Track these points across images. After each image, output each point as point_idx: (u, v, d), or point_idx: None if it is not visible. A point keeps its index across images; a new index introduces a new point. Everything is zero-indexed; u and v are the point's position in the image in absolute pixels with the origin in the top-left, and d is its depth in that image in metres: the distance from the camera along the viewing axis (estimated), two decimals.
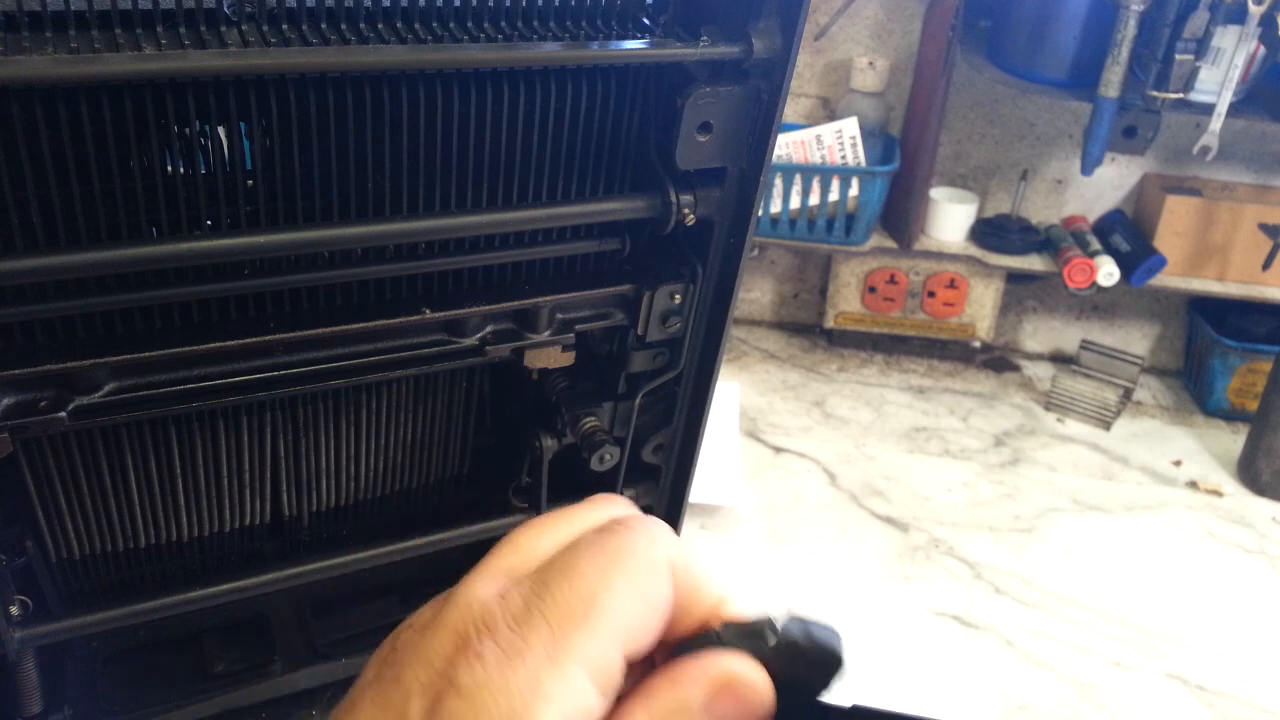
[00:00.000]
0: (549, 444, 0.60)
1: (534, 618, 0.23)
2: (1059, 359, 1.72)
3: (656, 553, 0.25)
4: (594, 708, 0.23)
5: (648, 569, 0.25)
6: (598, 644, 0.23)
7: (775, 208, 1.51)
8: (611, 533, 0.26)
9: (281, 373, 0.49)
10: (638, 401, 0.59)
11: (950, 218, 1.58)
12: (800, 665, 0.25)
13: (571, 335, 0.55)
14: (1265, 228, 1.46)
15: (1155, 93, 1.26)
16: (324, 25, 0.42)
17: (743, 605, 0.26)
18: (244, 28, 0.40)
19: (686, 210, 0.51)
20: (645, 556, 0.25)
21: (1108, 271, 1.49)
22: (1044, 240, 1.59)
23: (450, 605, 0.25)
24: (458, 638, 0.23)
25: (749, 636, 0.25)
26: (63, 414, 0.44)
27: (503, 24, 0.45)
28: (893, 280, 1.61)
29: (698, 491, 0.65)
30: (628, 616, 0.24)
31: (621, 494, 0.64)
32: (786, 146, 1.49)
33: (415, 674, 0.23)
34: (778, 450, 1.37)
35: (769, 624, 0.25)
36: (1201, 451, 1.49)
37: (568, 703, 0.22)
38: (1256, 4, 1.19)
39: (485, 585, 0.25)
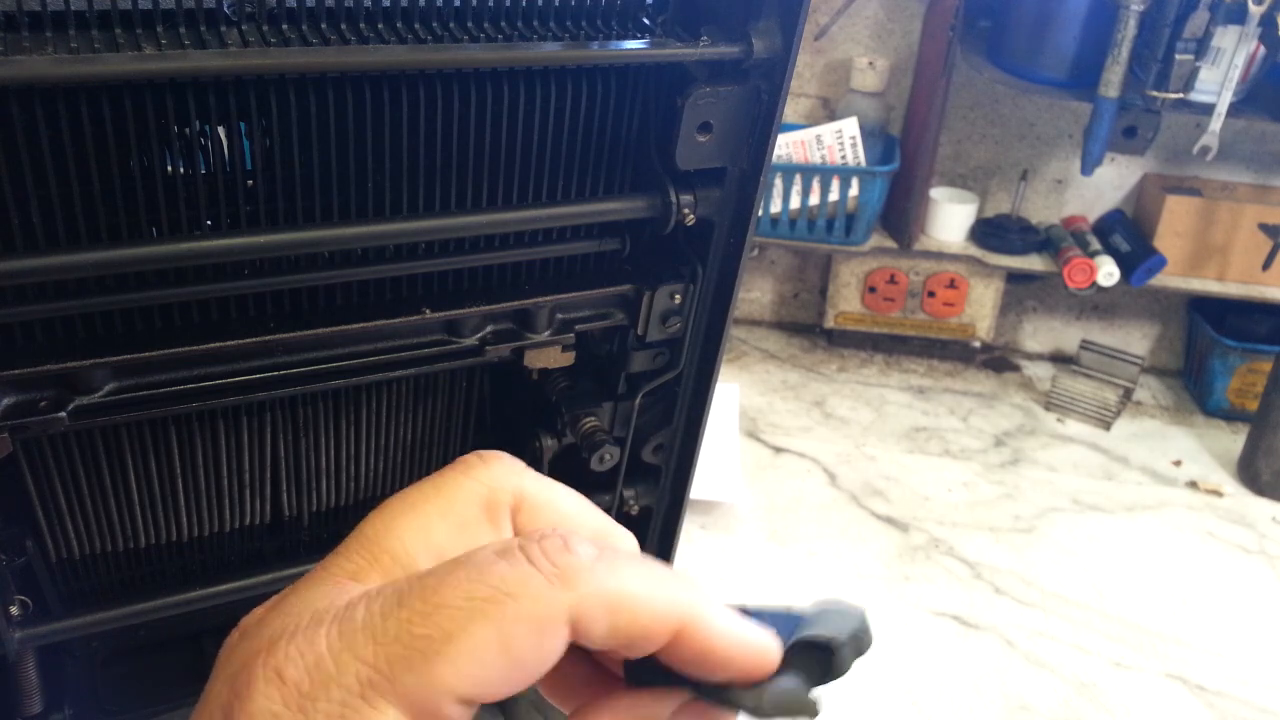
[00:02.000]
0: (549, 444, 0.60)
1: (359, 642, 0.20)
2: (1059, 359, 1.73)
3: (552, 604, 0.21)
4: None
5: (529, 623, 0.21)
6: (426, 693, 0.20)
7: (775, 208, 1.51)
8: (509, 559, 0.21)
9: (281, 373, 0.49)
10: (638, 401, 0.59)
11: (950, 218, 1.58)
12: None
13: (571, 335, 0.55)
14: (1265, 228, 1.47)
15: (1155, 93, 1.26)
16: (324, 25, 0.42)
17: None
18: (244, 28, 0.40)
19: (686, 210, 0.51)
20: (532, 606, 0.21)
21: (1108, 271, 1.49)
22: (1044, 240, 1.59)
23: (278, 612, 0.22)
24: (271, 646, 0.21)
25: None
26: (63, 414, 0.44)
27: (502, 24, 0.45)
28: (893, 280, 1.61)
29: (698, 492, 0.65)
30: (478, 672, 0.20)
31: (622, 494, 0.64)
32: (786, 146, 1.49)
33: (217, 689, 0.21)
34: (778, 450, 1.37)
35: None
36: (1201, 451, 1.49)
37: None
38: (1257, 4, 1.19)
39: (333, 591, 0.22)
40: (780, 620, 0.25)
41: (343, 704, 0.20)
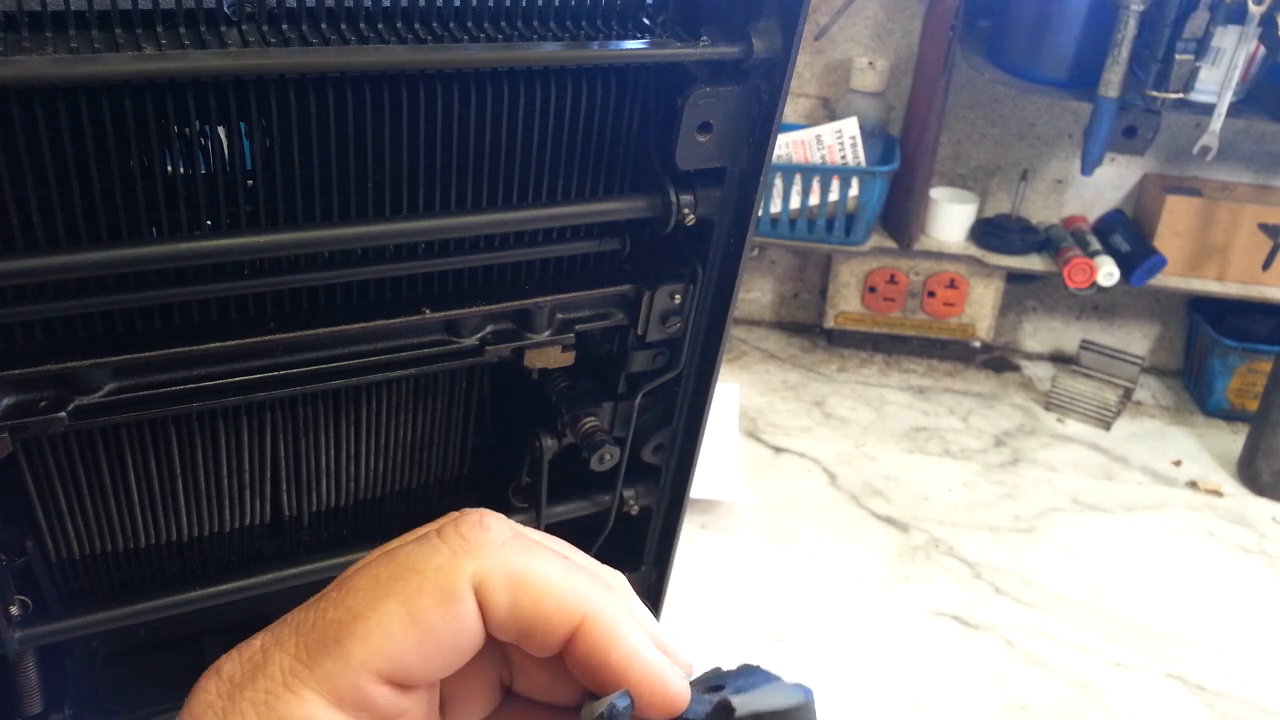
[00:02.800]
0: (549, 444, 0.60)
1: (285, 637, 0.22)
2: (1059, 359, 1.73)
3: (454, 572, 0.21)
4: None
5: (433, 592, 0.21)
6: (343, 673, 0.21)
7: (775, 208, 1.51)
8: (416, 541, 0.22)
9: (282, 373, 0.49)
10: (638, 401, 0.60)
11: (950, 218, 1.58)
12: None
13: (571, 335, 0.55)
14: (1265, 228, 1.47)
15: (1155, 93, 1.26)
16: (324, 25, 0.42)
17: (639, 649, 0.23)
18: (244, 28, 0.40)
19: (686, 210, 0.51)
20: (434, 576, 0.21)
21: (1107, 271, 1.49)
22: (1044, 240, 1.59)
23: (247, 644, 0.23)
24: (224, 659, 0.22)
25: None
26: (63, 414, 0.44)
27: (502, 24, 0.45)
28: (893, 280, 1.61)
29: (698, 492, 0.65)
30: (389, 645, 0.21)
31: (622, 494, 0.64)
32: (786, 146, 1.50)
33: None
34: (778, 450, 1.37)
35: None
36: (1201, 451, 1.49)
37: None
38: (1257, 4, 1.19)
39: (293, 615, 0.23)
40: (737, 678, 0.24)
41: (267, 692, 0.21)
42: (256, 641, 0.22)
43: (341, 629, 0.21)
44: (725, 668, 0.26)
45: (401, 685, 0.22)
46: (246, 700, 0.21)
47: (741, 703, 0.23)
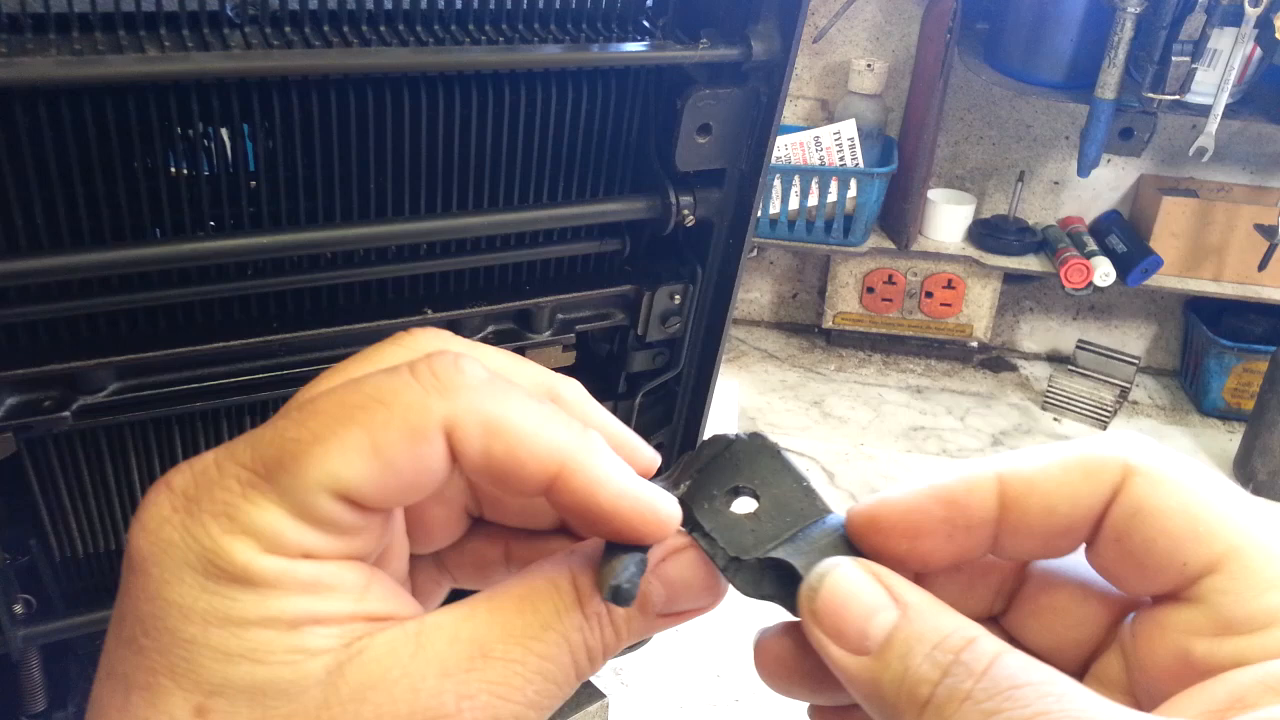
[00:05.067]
0: None
1: (239, 450, 0.21)
2: (1056, 359, 1.73)
3: (424, 411, 0.21)
4: (312, 543, 0.20)
5: (400, 427, 0.20)
6: (300, 489, 0.20)
7: (774, 209, 1.52)
8: (386, 372, 0.22)
9: (284, 372, 0.49)
10: (638, 401, 0.60)
11: (948, 219, 1.59)
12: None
13: (572, 335, 0.55)
14: (1261, 228, 1.47)
15: (1152, 94, 1.27)
16: (326, 28, 0.42)
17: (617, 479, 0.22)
18: (247, 30, 0.40)
19: (686, 211, 0.51)
20: (403, 412, 0.21)
21: (1104, 272, 1.50)
22: (1041, 241, 1.60)
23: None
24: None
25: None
26: (66, 414, 0.45)
27: (504, 27, 0.45)
28: (891, 281, 1.62)
29: None
30: (349, 471, 0.20)
31: None
32: (785, 148, 1.50)
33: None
34: None
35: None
36: (1198, 451, 1.49)
37: (265, 538, 0.20)
38: (1253, 6, 1.20)
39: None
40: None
41: (225, 503, 0.20)
42: (209, 456, 0.21)
43: (300, 448, 0.20)
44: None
45: (362, 506, 0.21)
46: (205, 512, 0.20)
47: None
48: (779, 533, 0.24)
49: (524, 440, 0.21)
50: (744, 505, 0.24)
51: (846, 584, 0.22)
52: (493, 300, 0.52)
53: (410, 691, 0.20)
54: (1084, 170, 1.40)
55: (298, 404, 0.22)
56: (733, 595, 0.25)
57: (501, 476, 0.21)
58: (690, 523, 0.24)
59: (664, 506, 0.22)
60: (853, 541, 0.23)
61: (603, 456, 0.22)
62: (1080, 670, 0.23)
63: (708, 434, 0.62)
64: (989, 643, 0.20)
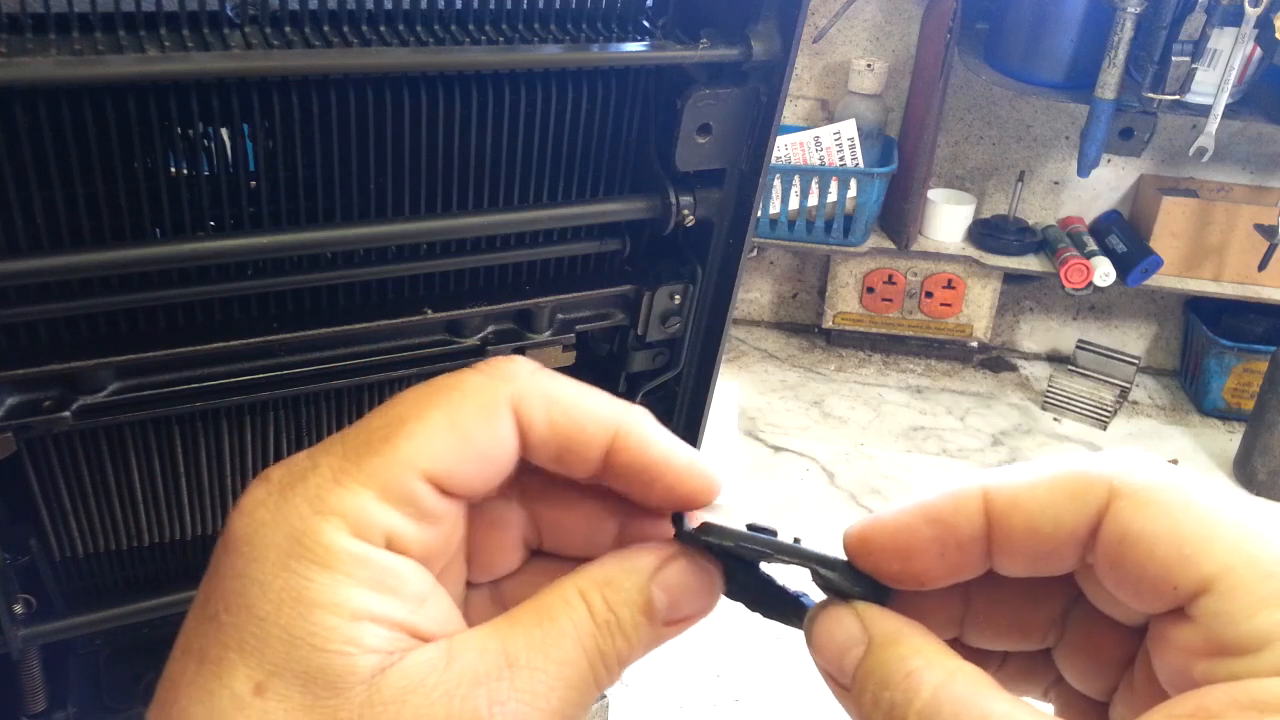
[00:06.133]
0: None
1: (332, 446, 0.23)
2: (1056, 359, 1.73)
3: (493, 391, 0.23)
4: (399, 530, 0.22)
5: (474, 405, 0.23)
6: (390, 469, 0.22)
7: (774, 209, 1.52)
8: (455, 373, 0.24)
9: (285, 372, 0.49)
10: (638, 401, 0.60)
11: (948, 219, 1.59)
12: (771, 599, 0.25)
13: (572, 335, 0.55)
14: (1261, 228, 1.47)
15: (1152, 94, 1.27)
16: (326, 28, 0.42)
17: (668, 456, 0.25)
18: (246, 30, 0.40)
19: (686, 211, 0.51)
20: (474, 394, 0.23)
21: (1104, 272, 1.50)
22: (1041, 241, 1.60)
23: None
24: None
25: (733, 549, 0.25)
26: (67, 414, 0.45)
27: (504, 27, 0.45)
28: (891, 281, 1.62)
29: None
30: (433, 446, 0.22)
31: None
32: (785, 148, 1.50)
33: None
34: (777, 449, 1.38)
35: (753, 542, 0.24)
36: (1198, 450, 1.49)
37: (357, 523, 0.22)
38: (1253, 6, 1.20)
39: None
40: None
41: (318, 488, 0.22)
42: (302, 454, 0.23)
43: (389, 431, 0.22)
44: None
45: (443, 489, 0.23)
46: (298, 496, 0.22)
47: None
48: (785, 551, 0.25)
49: (582, 406, 0.24)
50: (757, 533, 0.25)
51: (827, 622, 0.23)
52: (493, 300, 0.52)
53: (446, 696, 0.21)
54: (1084, 170, 1.40)
55: (376, 408, 0.24)
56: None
57: (566, 443, 0.24)
58: (705, 532, 0.25)
59: (711, 467, 0.25)
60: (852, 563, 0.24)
61: (653, 423, 0.24)
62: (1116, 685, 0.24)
63: (708, 433, 0.62)
64: (932, 674, 0.21)
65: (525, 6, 0.45)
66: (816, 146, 1.49)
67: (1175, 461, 1.45)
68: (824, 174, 1.47)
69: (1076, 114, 1.51)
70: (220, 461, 0.55)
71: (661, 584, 0.24)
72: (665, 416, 0.62)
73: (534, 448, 0.24)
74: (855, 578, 0.24)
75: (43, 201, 0.41)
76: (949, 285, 1.61)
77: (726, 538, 0.25)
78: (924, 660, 0.21)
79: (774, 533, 0.25)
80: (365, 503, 0.22)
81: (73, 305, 0.43)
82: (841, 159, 1.49)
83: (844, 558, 0.24)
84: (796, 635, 0.25)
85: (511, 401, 0.23)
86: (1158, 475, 0.21)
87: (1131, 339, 1.74)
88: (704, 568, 0.25)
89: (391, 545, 0.22)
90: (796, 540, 0.25)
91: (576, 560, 0.26)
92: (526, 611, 0.23)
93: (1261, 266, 1.48)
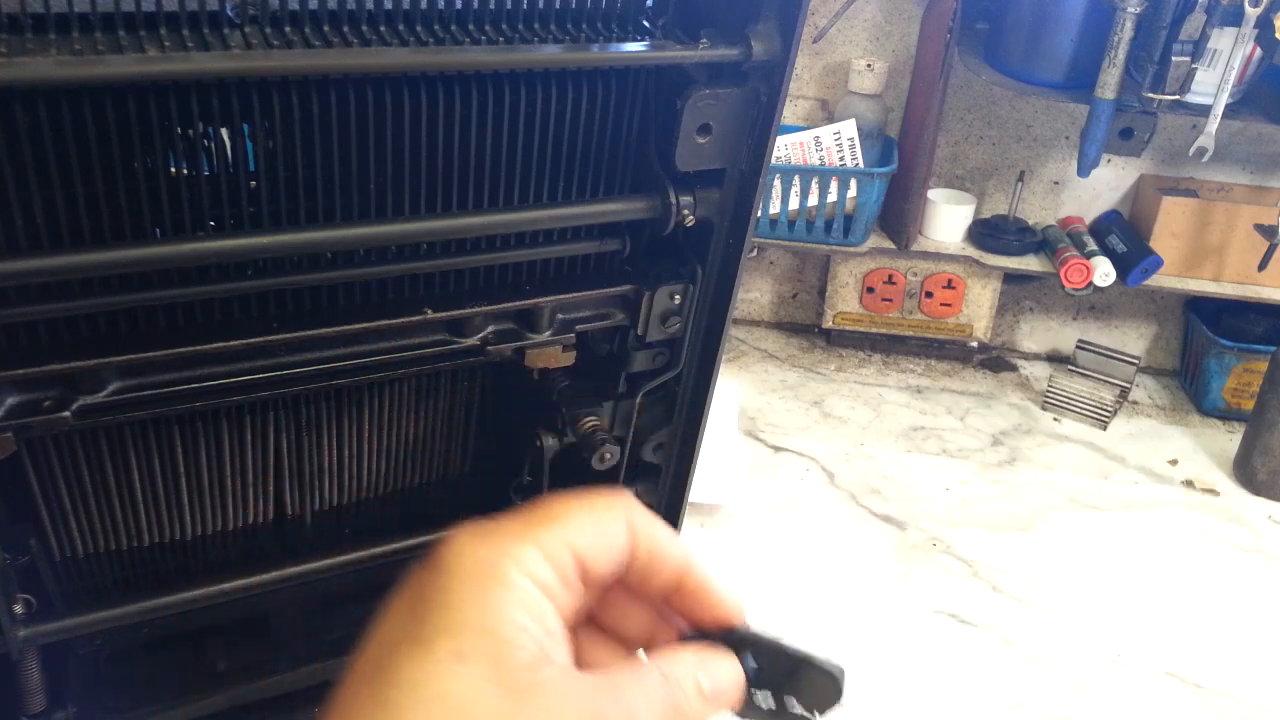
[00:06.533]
0: (550, 443, 0.60)
1: (509, 519, 0.31)
2: (1056, 359, 1.73)
3: (616, 506, 0.32)
4: (551, 583, 0.30)
5: (605, 512, 0.32)
6: (554, 541, 0.30)
7: (774, 209, 1.52)
8: (594, 491, 0.33)
9: (284, 372, 0.49)
10: (638, 401, 0.60)
11: (948, 219, 1.59)
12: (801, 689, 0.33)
13: (572, 335, 0.55)
14: (1261, 228, 1.47)
15: (1152, 94, 1.27)
16: (326, 28, 0.42)
17: (719, 589, 0.34)
18: (247, 30, 0.40)
19: (686, 211, 0.52)
20: (605, 505, 0.32)
21: (1104, 272, 1.50)
22: (1041, 241, 1.60)
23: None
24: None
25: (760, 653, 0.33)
26: (67, 413, 0.45)
27: (504, 27, 0.45)
28: (891, 281, 1.62)
29: (698, 491, 0.65)
30: (582, 534, 0.31)
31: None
32: (785, 148, 1.50)
33: (419, 567, 0.31)
34: (776, 449, 1.38)
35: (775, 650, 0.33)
36: (1198, 451, 1.49)
37: (528, 567, 0.29)
38: (1253, 6, 1.20)
39: None
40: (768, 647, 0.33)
41: (503, 540, 0.30)
42: (491, 521, 0.31)
43: (553, 517, 0.31)
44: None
45: (582, 565, 0.31)
46: (490, 543, 0.30)
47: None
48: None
49: (669, 538, 0.33)
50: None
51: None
52: (493, 300, 0.52)
53: (576, 695, 0.28)
54: (1084, 170, 1.40)
55: (546, 502, 0.32)
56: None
57: (651, 560, 0.33)
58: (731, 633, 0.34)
59: (737, 597, 0.34)
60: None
61: (708, 567, 0.34)
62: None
63: (708, 433, 0.62)
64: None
65: (525, 6, 0.45)
66: (816, 146, 1.49)
67: (1175, 462, 1.45)
68: (824, 174, 1.47)
69: (1076, 114, 1.51)
70: (220, 461, 0.55)
71: (707, 672, 0.32)
72: (665, 417, 0.62)
73: (636, 553, 0.32)
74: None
75: (43, 201, 0.41)
76: (949, 285, 1.61)
77: (747, 636, 0.33)
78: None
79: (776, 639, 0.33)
80: (533, 557, 0.30)
81: (73, 305, 0.43)
82: (841, 159, 1.49)
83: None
84: (796, 635, 0.31)
85: (627, 517, 0.32)
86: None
87: (1131, 339, 1.74)
88: (732, 660, 0.33)
89: (544, 591, 0.30)
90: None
91: (614, 636, 0.35)
92: (623, 674, 0.31)
93: (1261, 266, 1.48)
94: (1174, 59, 1.22)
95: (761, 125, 0.50)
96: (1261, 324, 1.58)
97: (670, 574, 0.33)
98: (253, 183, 0.45)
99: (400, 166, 0.47)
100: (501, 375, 0.62)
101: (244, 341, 0.47)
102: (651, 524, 0.33)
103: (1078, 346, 1.63)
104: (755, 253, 1.68)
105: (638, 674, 0.31)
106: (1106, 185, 1.65)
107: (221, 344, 0.47)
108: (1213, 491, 1.39)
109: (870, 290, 1.64)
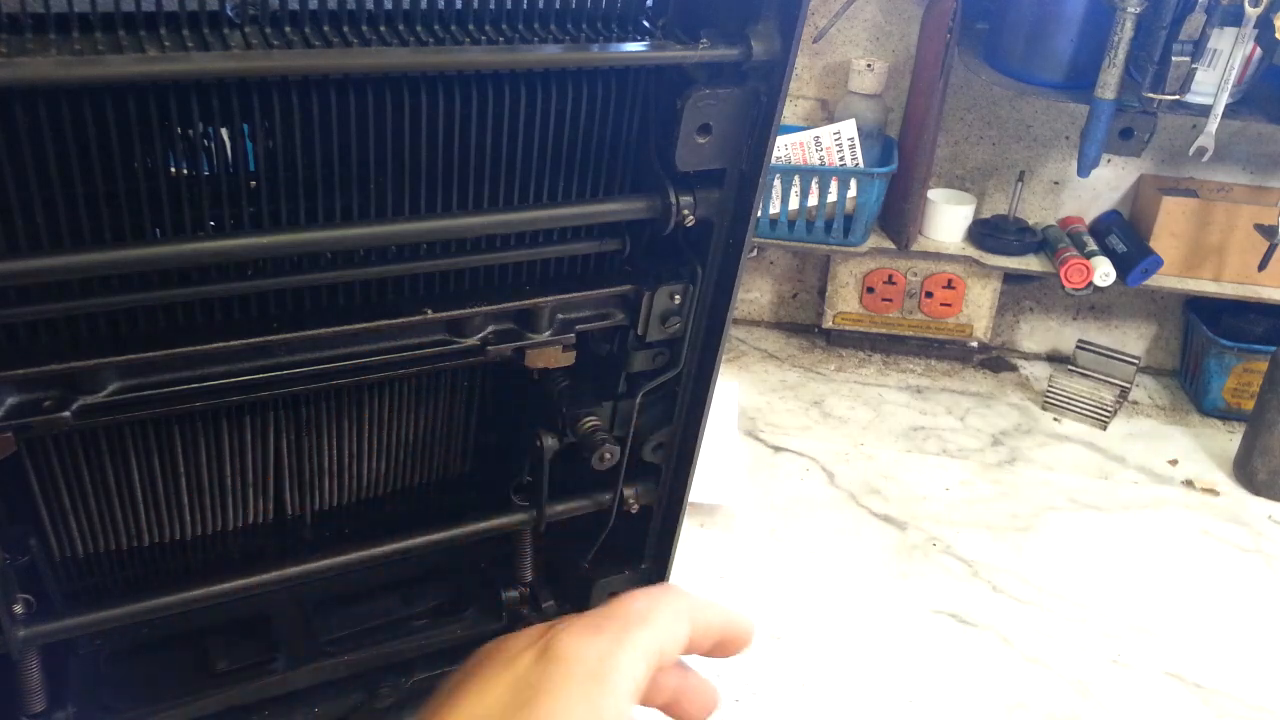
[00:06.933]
0: (550, 443, 0.60)
1: (605, 619, 0.36)
2: (1056, 359, 1.73)
3: (680, 602, 0.38)
4: (642, 683, 0.35)
5: (675, 608, 0.38)
6: (649, 640, 0.35)
7: (774, 209, 1.52)
8: (662, 587, 0.39)
9: (284, 372, 0.49)
10: (638, 401, 0.60)
11: (948, 219, 1.59)
12: None
13: (572, 335, 0.55)
14: (1261, 228, 1.47)
15: (1152, 94, 1.27)
16: (326, 28, 0.42)
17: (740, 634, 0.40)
18: (246, 30, 0.41)
19: (686, 211, 0.52)
20: (673, 602, 0.38)
21: (1104, 272, 1.50)
22: (1041, 241, 1.60)
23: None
24: (545, 626, 0.36)
25: None
26: (66, 413, 0.45)
27: (504, 26, 0.45)
28: (891, 281, 1.62)
29: (698, 491, 0.65)
30: (665, 631, 0.37)
31: (622, 493, 0.64)
32: (785, 148, 1.50)
33: (518, 642, 0.36)
34: (776, 449, 1.38)
35: None
36: (1198, 451, 1.49)
37: (630, 670, 0.34)
38: (1253, 6, 1.20)
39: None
40: None
41: (609, 639, 0.35)
42: (590, 614, 0.37)
43: (642, 617, 0.37)
44: None
45: (665, 653, 0.36)
46: (599, 641, 0.35)
47: None
48: None
49: (715, 617, 0.39)
50: None
51: None
52: (493, 300, 0.52)
53: None
54: (1084, 170, 1.40)
55: (616, 600, 0.38)
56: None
57: (704, 633, 0.39)
58: None
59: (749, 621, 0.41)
60: None
61: (743, 620, 0.41)
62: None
63: (708, 433, 0.62)
64: None
65: (525, 6, 0.45)
66: (816, 146, 1.49)
67: (1175, 462, 1.45)
68: (824, 174, 1.47)
69: (1076, 114, 1.51)
70: (220, 462, 0.55)
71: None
72: (665, 417, 0.62)
73: (692, 635, 0.38)
74: None
75: (43, 201, 0.41)
76: (949, 285, 1.61)
77: None
78: None
79: None
80: (633, 660, 0.35)
81: (73, 305, 0.43)
82: (841, 159, 1.49)
83: None
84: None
85: (689, 614, 0.38)
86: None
87: (1131, 339, 1.74)
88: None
89: (636, 690, 0.35)
90: None
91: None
92: None
93: (1261, 266, 1.48)
94: (1174, 59, 1.22)
95: (761, 125, 0.50)
96: (1261, 324, 1.58)
97: (716, 636, 0.39)
98: (253, 183, 0.45)
99: (400, 167, 0.47)
100: (501, 375, 0.62)
101: (244, 341, 0.47)
102: (704, 610, 0.39)
103: (1078, 346, 1.63)
104: (755, 253, 1.68)
105: None
106: (1106, 185, 1.65)
107: (221, 344, 0.47)
108: (1213, 491, 1.39)
109: (870, 290, 1.64)
